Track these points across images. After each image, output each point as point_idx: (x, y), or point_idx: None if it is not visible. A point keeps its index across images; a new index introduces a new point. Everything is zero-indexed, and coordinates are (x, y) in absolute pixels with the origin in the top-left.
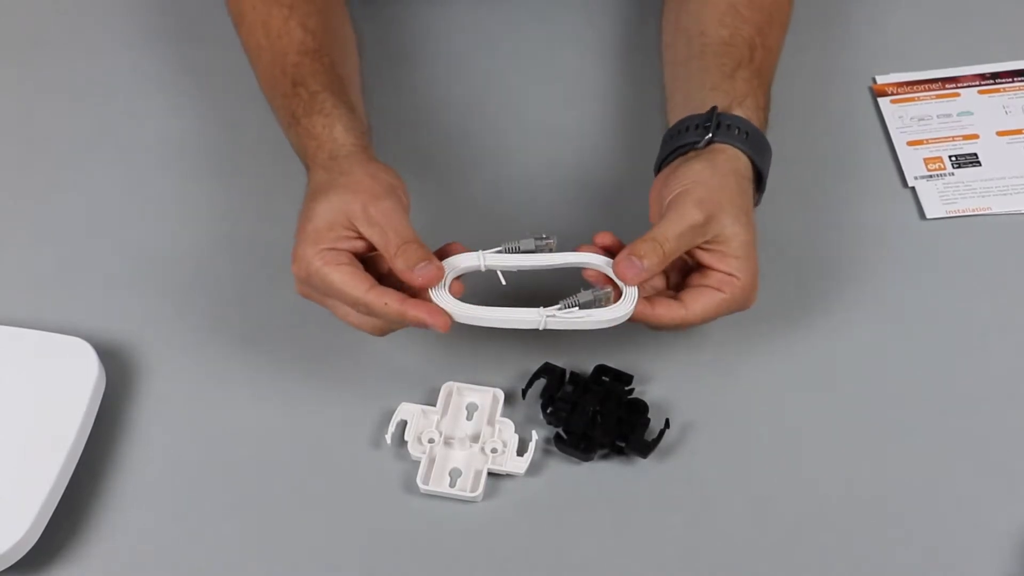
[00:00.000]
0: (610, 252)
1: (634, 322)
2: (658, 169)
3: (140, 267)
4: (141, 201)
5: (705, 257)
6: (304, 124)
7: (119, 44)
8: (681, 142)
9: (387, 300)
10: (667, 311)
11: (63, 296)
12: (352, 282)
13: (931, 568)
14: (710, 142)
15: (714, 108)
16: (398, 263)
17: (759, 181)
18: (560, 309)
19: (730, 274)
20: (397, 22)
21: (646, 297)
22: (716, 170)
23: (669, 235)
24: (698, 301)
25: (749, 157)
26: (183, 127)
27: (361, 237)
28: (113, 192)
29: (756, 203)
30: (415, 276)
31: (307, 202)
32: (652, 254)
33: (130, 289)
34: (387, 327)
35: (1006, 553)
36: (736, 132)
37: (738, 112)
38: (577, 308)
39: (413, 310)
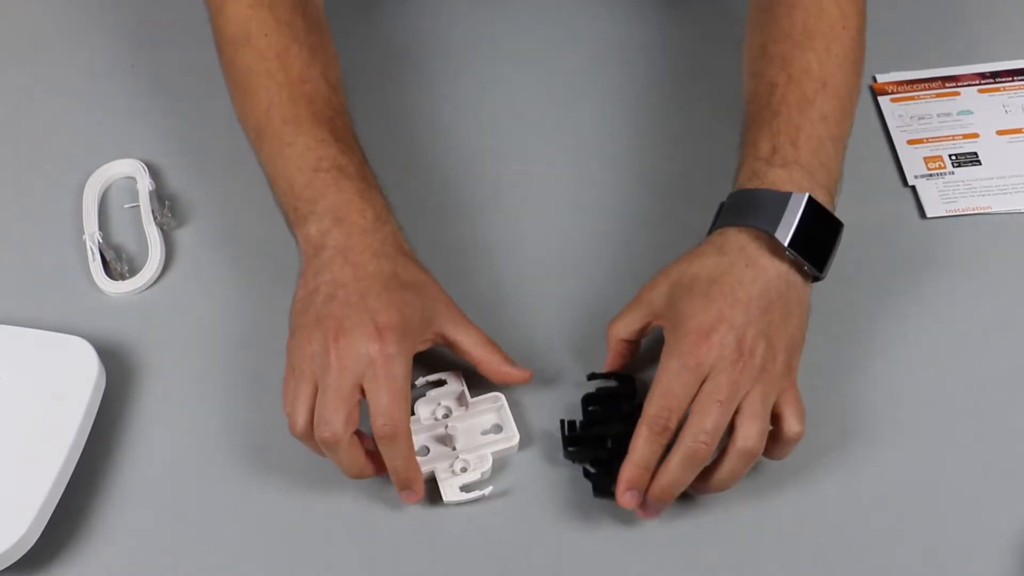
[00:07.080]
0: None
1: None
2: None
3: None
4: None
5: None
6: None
7: (119, 44)
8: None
9: None
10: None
11: (63, 296)
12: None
13: (931, 568)
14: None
15: (721, 204)
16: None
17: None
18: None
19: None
20: (397, 21)
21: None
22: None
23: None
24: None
25: (750, 226)
26: (183, 127)
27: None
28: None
29: (811, 270)
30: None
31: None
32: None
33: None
34: None
35: (1006, 553)
36: (721, 211)
37: (752, 184)
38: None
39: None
